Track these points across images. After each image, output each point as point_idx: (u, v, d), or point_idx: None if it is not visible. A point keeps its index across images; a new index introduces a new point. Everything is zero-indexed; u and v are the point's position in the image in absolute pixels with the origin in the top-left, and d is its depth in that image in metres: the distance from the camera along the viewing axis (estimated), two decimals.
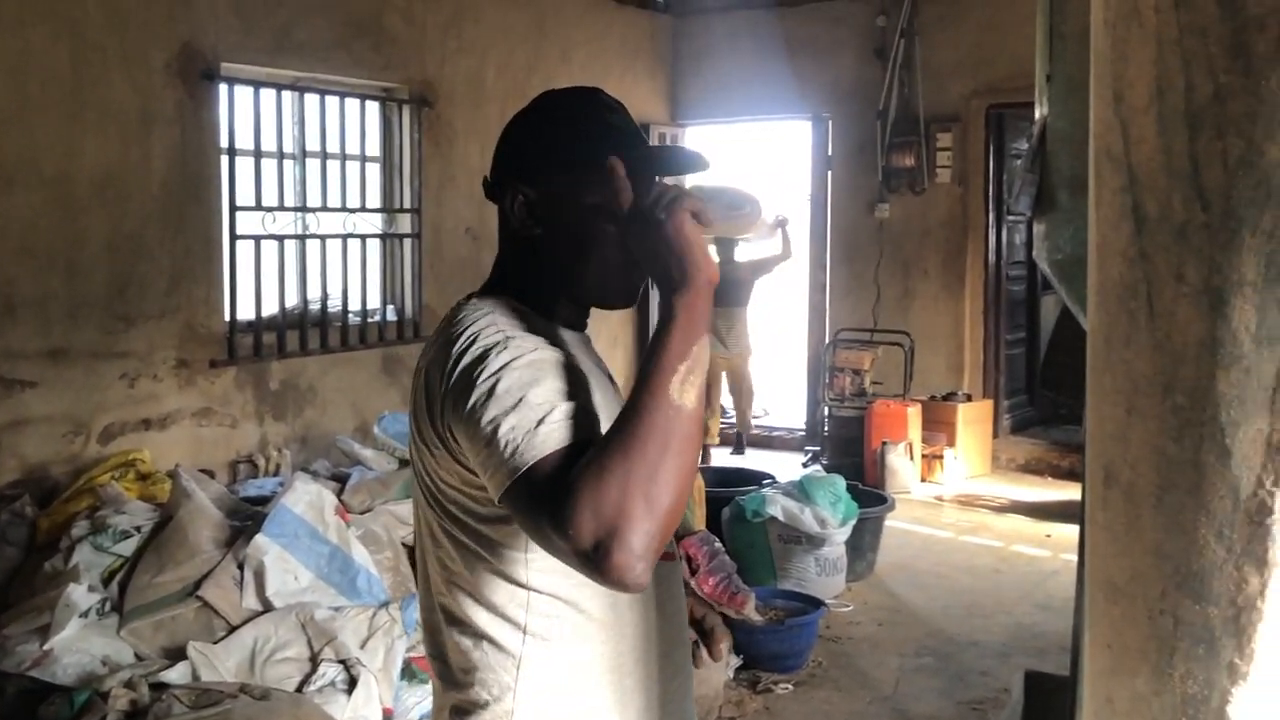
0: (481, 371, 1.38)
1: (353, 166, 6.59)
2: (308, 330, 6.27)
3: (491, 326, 1.46)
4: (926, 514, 7.29)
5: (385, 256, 6.94)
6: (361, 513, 4.70)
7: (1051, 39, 2.56)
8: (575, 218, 1.56)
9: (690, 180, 7.70)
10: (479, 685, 1.52)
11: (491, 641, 1.51)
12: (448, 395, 1.42)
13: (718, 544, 5.16)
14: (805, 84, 8.94)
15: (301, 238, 6.29)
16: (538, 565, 1.48)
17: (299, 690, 3.76)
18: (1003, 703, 4.34)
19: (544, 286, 1.60)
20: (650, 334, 2.09)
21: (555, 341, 1.49)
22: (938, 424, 8.06)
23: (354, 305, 6.62)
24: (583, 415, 1.34)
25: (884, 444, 7.68)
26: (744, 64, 9.17)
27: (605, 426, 1.34)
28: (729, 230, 8.55)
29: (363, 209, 6.64)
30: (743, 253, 9.01)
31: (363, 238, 6.63)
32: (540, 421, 1.31)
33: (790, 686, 4.66)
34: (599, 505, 1.21)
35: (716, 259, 8.59)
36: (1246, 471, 1.06)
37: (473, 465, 1.39)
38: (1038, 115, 2.66)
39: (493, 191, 1.63)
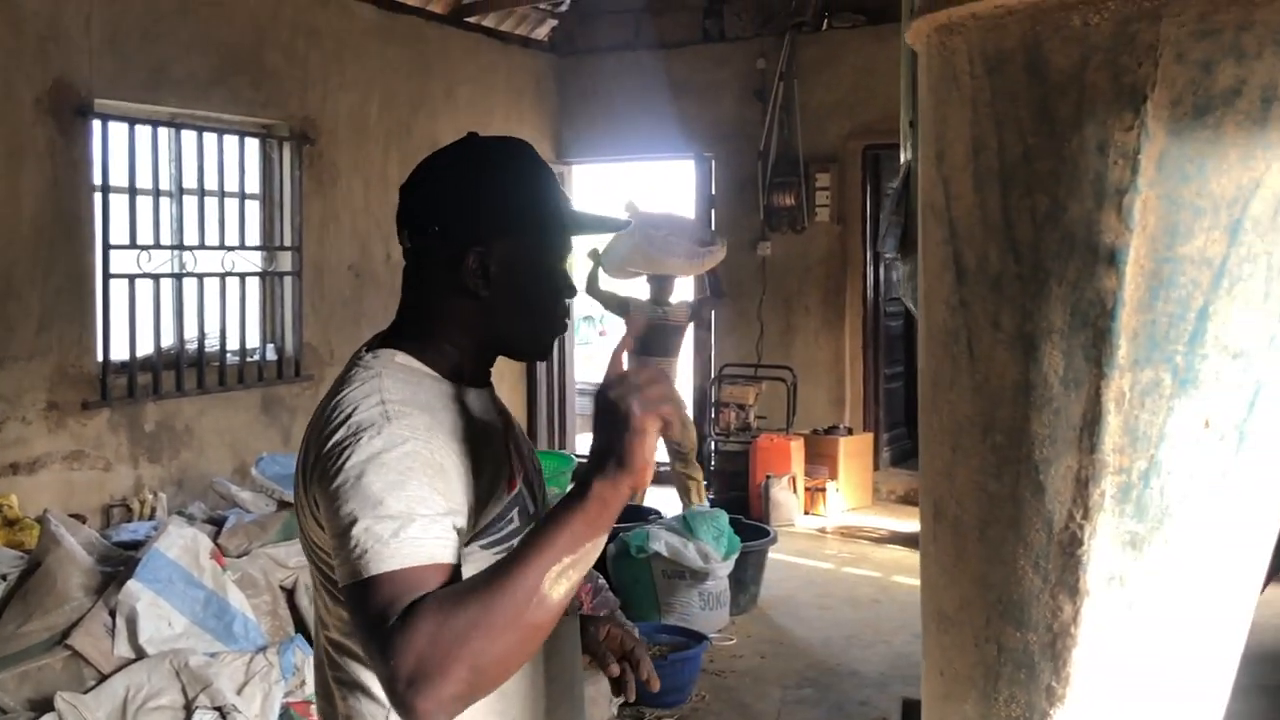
0: (351, 455, 1.36)
1: (231, 204, 6.50)
2: (184, 370, 6.16)
3: (374, 397, 1.44)
4: (809, 546, 7.41)
5: (265, 295, 6.86)
6: (238, 556, 4.62)
7: (914, 88, 2.68)
8: (530, 279, 1.56)
9: (634, 209, 7.65)
10: None
11: (364, 690, 1.51)
12: (316, 465, 1.41)
13: (600, 580, 5.20)
14: (689, 124, 9.09)
15: (178, 276, 6.19)
16: None
17: None
18: None
19: (457, 339, 1.58)
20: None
21: (446, 406, 1.49)
22: (820, 457, 8.20)
23: (233, 344, 6.52)
24: (436, 528, 1.33)
25: (768, 477, 7.79)
26: (629, 104, 9.29)
27: (475, 488, 1.40)
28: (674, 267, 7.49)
29: (242, 246, 6.55)
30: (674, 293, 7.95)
31: (242, 276, 6.55)
32: (394, 534, 1.30)
33: None
34: (427, 651, 1.21)
35: (651, 300, 7.36)
36: (1059, 506, 1.13)
37: (329, 552, 1.39)
38: (902, 160, 2.77)
39: (416, 235, 1.58)
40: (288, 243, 6.83)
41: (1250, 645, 4.11)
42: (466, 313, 1.56)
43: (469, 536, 1.45)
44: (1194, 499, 1.11)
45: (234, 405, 6.48)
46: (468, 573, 1.35)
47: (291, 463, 5.30)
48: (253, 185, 6.75)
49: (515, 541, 1.51)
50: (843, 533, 7.75)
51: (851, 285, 8.65)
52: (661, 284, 7.53)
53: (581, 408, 10.74)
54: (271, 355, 6.83)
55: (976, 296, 1.18)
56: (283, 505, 5.13)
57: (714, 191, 9.19)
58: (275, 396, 6.73)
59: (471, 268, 1.53)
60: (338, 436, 1.40)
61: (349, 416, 1.42)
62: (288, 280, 6.84)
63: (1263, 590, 3.32)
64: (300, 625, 4.36)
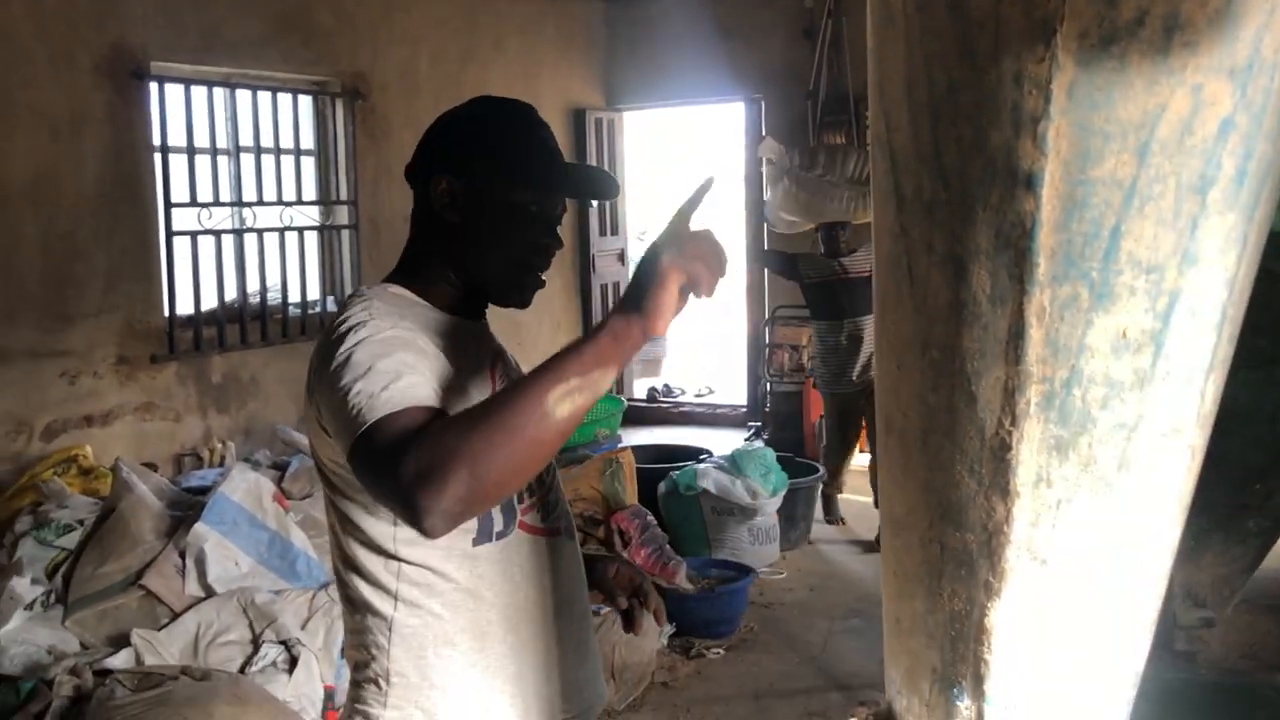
0: (341, 346, 1.50)
1: (287, 161, 6.68)
2: (248, 323, 6.37)
3: (361, 309, 1.58)
4: (861, 483, 7.48)
5: (323, 249, 7.04)
6: (301, 499, 4.83)
7: None
8: (495, 212, 1.67)
9: (771, 148, 7.41)
10: (361, 646, 1.66)
11: (368, 606, 1.64)
12: (316, 370, 1.55)
13: (649, 517, 5.35)
14: (737, 66, 9.09)
15: (239, 232, 6.38)
16: (404, 537, 1.60)
17: (241, 671, 3.89)
18: None
19: (445, 273, 1.70)
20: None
21: (430, 328, 1.62)
22: None
23: (294, 297, 6.71)
24: (424, 384, 1.44)
25: (822, 417, 7.86)
26: (677, 48, 9.30)
27: (451, 394, 1.50)
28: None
29: (299, 202, 6.73)
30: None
31: (300, 230, 6.73)
32: (385, 387, 1.41)
33: (721, 651, 4.83)
34: (429, 453, 1.28)
35: (825, 254, 6.53)
36: (989, 415, 1.23)
37: (332, 435, 1.51)
38: None
39: (415, 177, 1.74)
40: (344, 197, 6.99)
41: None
42: (446, 243, 1.70)
43: None
44: (1114, 405, 1.19)
45: (297, 356, 6.68)
46: None
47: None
48: (307, 142, 6.91)
49: None
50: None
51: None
52: (831, 233, 6.48)
53: (641, 352, 10.84)
54: (331, 307, 7.02)
55: (914, 223, 1.27)
56: None
57: (764, 133, 9.20)
58: None
59: (439, 191, 1.68)
60: (331, 339, 1.54)
61: (342, 324, 1.56)
62: (345, 234, 7.02)
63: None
64: None
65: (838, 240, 6.44)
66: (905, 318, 1.29)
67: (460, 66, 7.79)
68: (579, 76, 9.15)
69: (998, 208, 1.19)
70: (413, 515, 1.29)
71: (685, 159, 17.28)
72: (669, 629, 4.90)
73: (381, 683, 1.64)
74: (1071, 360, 1.18)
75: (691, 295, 1.36)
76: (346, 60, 6.98)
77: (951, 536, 1.27)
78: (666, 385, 9.82)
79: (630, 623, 1.93)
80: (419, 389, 1.43)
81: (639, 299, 1.34)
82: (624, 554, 4.91)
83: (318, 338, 1.65)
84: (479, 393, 1.60)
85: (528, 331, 8.54)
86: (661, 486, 5.88)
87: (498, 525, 1.64)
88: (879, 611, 4.61)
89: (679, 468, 5.98)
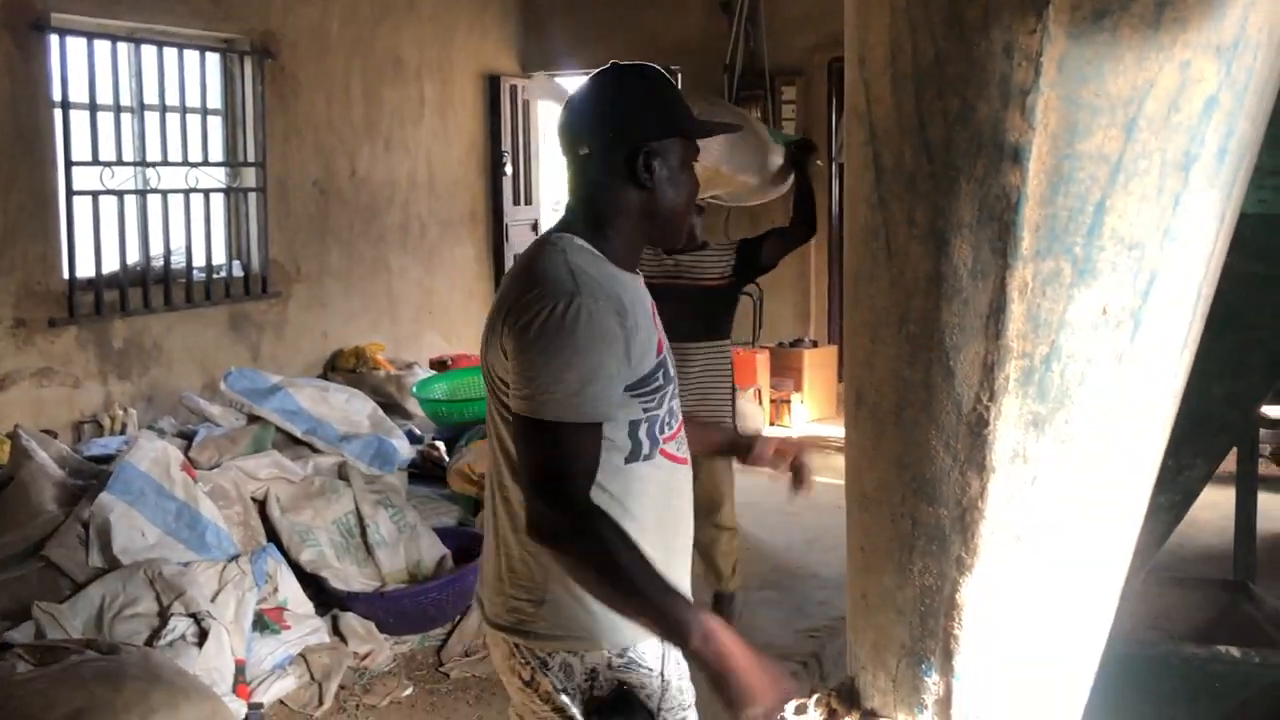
0: (546, 312, 1.77)
1: (194, 120, 6.47)
2: (151, 287, 6.17)
3: (564, 268, 1.84)
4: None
5: (230, 211, 6.85)
6: (209, 468, 4.70)
7: None
8: (677, 168, 1.96)
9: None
10: (521, 546, 1.93)
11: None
12: (511, 314, 1.81)
13: None
14: (655, 37, 9.04)
15: (142, 193, 6.17)
16: None
17: (148, 645, 3.78)
18: (838, 630, 4.58)
19: (627, 233, 1.97)
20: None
21: (615, 283, 1.87)
22: (786, 370, 8.32)
23: (199, 261, 6.52)
24: (604, 394, 1.78)
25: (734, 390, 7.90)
26: (595, 16, 9.21)
27: (637, 351, 1.83)
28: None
29: (205, 163, 6.53)
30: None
31: (206, 192, 6.53)
32: (576, 393, 1.76)
33: None
34: (569, 533, 1.77)
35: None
36: (967, 390, 1.22)
37: (509, 382, 1.84)
38: None
39: (604, 149, 1.96)
40: (251, 158, 6.81)
41: (1194, 546, 4.29)
42: (633, 204, 1.96)
43: (626, 385, 1.85)
44: (1092, 381, 1.19)
45: (202, 321, 6.51)
46: (616, 411, 1.83)
47: (259, 378, 5.36)
48: (214, 101, 6.71)
49: (656, 396, 1.92)
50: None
51: (817, 199, 8.68)
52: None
53: None
54: (238, 272, 6.84)
55: (894, 195, 1.25)
56: (252, 419, 5.20)
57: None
58: (243, 313, 6.76)
59: (642, 164, 1.92)
60: (534, 293, 1.81)
61: (544, 278, 1.83)
62: (252, 196, 6.84)
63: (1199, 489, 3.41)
64: (271, 534, 4.45)
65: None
66: (881, 290, 1.28)
67: (372, 27, 7.62)
68: (494, 41, 9.02)
69: (982, 180, 1.17)
70: (530, 519, 1.82)
71: None
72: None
73: (538, 577, 1.92)
74: (1052, 336, 1.18)
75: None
76: (256, 18, 6.77)
77: (924, 512, 1.27)
78: None
79: (801, 482, 2.35)
80: (599, 403, 1.78)
81: (723, 681, 1.67)
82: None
83: (514, 269, 1.94)
84: (650, 341, 1.91)
85: (439, 299, 8.43)
86: None
87: (645, 449, 1.93)
88: (793, 582, 4.63)
89: None
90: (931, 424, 1.24)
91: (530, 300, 1.81)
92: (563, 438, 1.79)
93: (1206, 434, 3.30)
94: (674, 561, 1.99)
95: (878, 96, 1.26)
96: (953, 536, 1.25)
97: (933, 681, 1.30)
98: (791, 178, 4.41)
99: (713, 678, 1.70)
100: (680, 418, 2.05)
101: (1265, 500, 4.75)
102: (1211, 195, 1.18)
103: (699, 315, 4.32)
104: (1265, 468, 7.04)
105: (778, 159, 4.26)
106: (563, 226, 1.99)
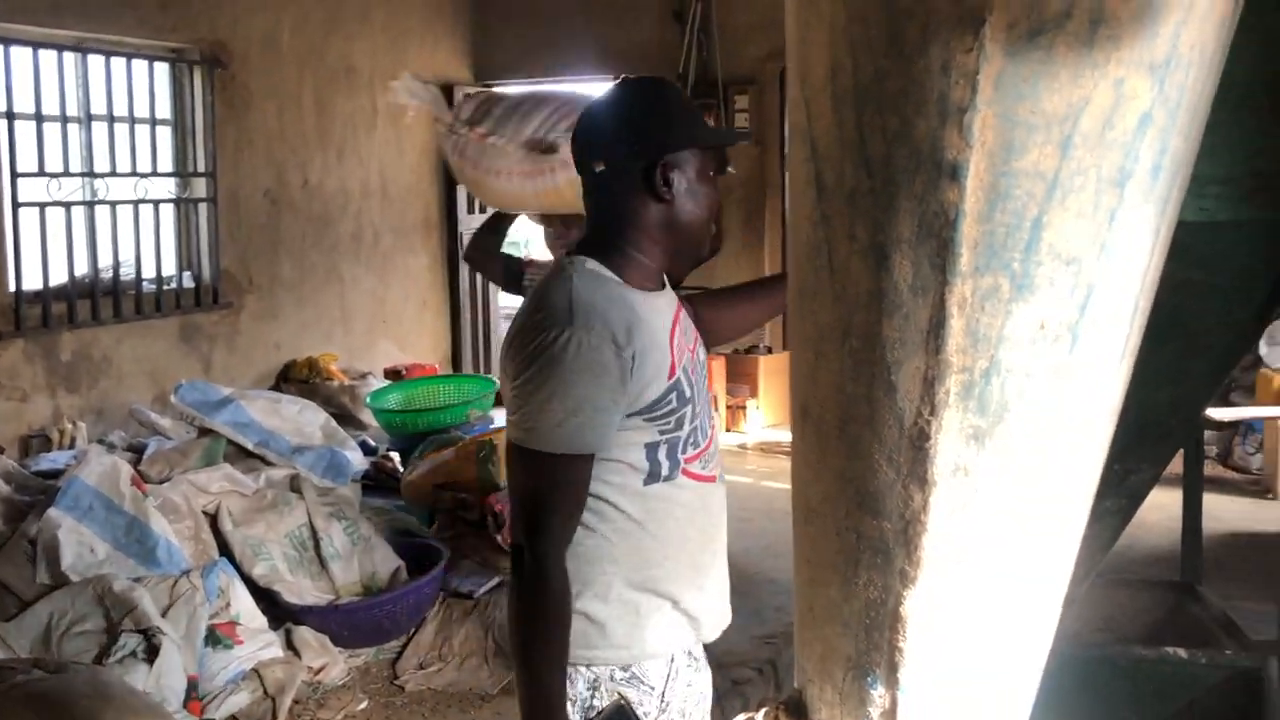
0: (539, 341, 1.83)
1: (142, 130, 6.41)
2: (100, 299, 6.11)
3: (565, 297, 1.87)
4: (730, 462, 7.56)
5: (180, 222, 6.79)
6: (160, 482, 4.66)
7: None
8: (695, 182, 1.99)
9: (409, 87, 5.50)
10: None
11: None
12: (513, 342, 1.89)
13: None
14: (608, 46, 9.06)
15: (90, 204, 6.11)
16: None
17: (98, 662, 3.73)
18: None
19: (647, 249, 2.00)
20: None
21: (622, 308, 1.89)
22: (741, 376, 8.36)
23: (148, 272, 6.46)
24: (588, 424, 1.84)
25: None
26: (549, 25, 9.22)
27: (638, 378, 1.88)
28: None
29: (154, 174, 6.47)
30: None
31: (155, 203, 6.47)
32: (559, 424, 1.82)
33: None
34: (532, 586, 1.86)
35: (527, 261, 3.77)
36: (909, 404, 1.23)
37: (505, 403, 1.92)
38: None
39: (609, 167, 1.99)
40: (202, 169, 6.76)
41: (1142, 547, 4.37)
42: (653, 218, 1.99)
43: (632, 411, 1.90)
44: (1031, 395, 1.21)
45: (152, 333, 6.44)
46: (629, 436, 1.91)
47: (210, 390, 5.32)
48: (164, 111, 6.65)
49: (672, 419, 1.95)
50: (762, 449, 7.93)
51: (770, 207, 8.74)
52: (552, 227, 3.96)
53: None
54: (189, 283, 6.78)
55: (835, 211, 1.26)
56: (203, 432, 5.15)
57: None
58: (194, 324, 6.70)
59: (660, 177, 1.96)
60: (532, 322, 1.87)
61: (544, 306, 1.87)
62: (203, 207, 6.78)
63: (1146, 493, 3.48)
64: (224, 548, 4.42)
65: (552, 243, 3.97)
66: (824, 306, 1.28)
67: (324, 37, 7.59)
68: (446, 50, 9.00)
69: (921, 197, 1.18)
70: (512, 540, 1.92)
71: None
72: None
73: None
74: (991, 350, 1.19)
75: None
76: (206, 27, 6.72)
77: (868, 525, 1.27)
78: None
79: None
80: (584, 435, 1.84)
81: None
82: (497, 537, 4.86)
83: (527, 298, 1.98)
84: (660, 367, 1.93)
85: (393, 309, 8.38)
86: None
87: (664, 470, 1.97)
88: (749, 588, 4.67)
89: None
90: (874, 438, 1.25)
91: (528, 328, 1.86)
92: (544, 467, 1.85)
93: (1151, 440, 3.35)
94: (702, 579, 2.06)
95: (818, 113, 1.26)
96: (896, 550, 1.26)
97: (878, 694, 1.31)
98: (549, 179, 3.61)
99: None
100: (710, 434, 2.08)
101: (1211, 501, 4.83)
102: (1146, 211, 1.19)
103: None
104: (1211, 469, 7.16)
105: None
106: (581, 246, 2.02)
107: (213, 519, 4.54)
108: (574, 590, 1.92)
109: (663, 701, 2.03)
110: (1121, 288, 1.21)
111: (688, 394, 1.99)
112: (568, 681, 1.97)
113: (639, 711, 2.01)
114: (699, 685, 2.12)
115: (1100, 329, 1.21)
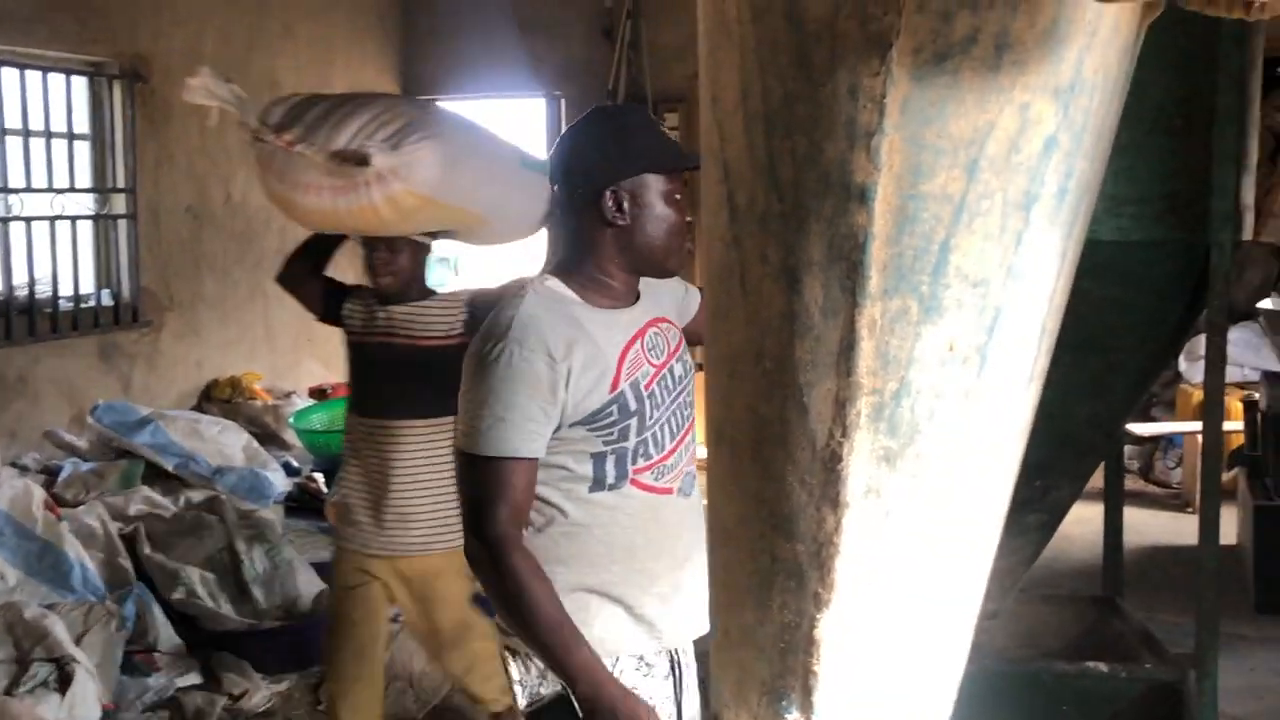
0: (478, 352, 2.00)
1: (59, 145, 6.27)
2: (14, 317, 5.95)
3: (511, 313, 2.01)
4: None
5: (98, 239, 6.65)
6: (75, 505, 4.54)
7: None
8: (653, 205, 2.05)
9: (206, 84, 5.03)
10: None
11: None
12: (465, 355, 2.04)
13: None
14: (538, 62, 9.04)
15: (4, 220, 5.96)
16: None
17: (7, 693, 3.63)
18: None
19: (609, 269, 2.09)
20: None
21: (571, 324, 2.01)
22: None
23: (66, 290, 6.32)
24: (520, 430, 1.95)
25: None
26: (477, 41, 9.18)
27: (575, 389, 1.98)
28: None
29: (72, 189, 6.34)
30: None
31: (73, 219, 6.34)
32: (489, 428, 1.95)
33: None
34: (488, 561, 1.97)
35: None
36: (821, 426, 1.23)
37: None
38: None
39: (570, 194, 2.09)
40: (121, 184, 6.62)
41: (1065, 561, 4.42)
42: (610, 241, 2.07)
43: (573, 421, 2.00)
44: (941, 416, 1.21)
45: (69, 353, 6.29)
46: (572, 444, 2.01)
47: (129, 410, 5.20)
48: (81, 125, 6.52)
49: (615, 430, 2.04)
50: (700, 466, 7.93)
51: (698, 226, 8.76)
52: (370, 258, 3.30)
53: None
54: (108, 301, 6.64)
55: (747, 233, 1.26)
56: (122, 454, 5.04)
57: (564, 131, 9.19)
58: (113, 343, 6.56)
59: (608, 204, 2.04)
60: (480, 335, 2.03)
61: (492, 322, 2.03)
62: (122, 224, 6.65)
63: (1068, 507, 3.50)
64: (141, 573, 4.31)
65: (377, 272, 3.29)
66: (737, 328, 1.28)
67: (247, 51, 7.48)
68: (374, 66, 8.93)
69: (831, 220, 1.19)
70: (466, 549, 2.02)
71: None
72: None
73: None
74: (901, 372, 1.20)
75: None
76: (125, 40, 6.60)
77: (782, 547, 1.27)
78: None
79: None
80: (513, 440, 1.95)
81: (596, 712, 1.94)
82: None
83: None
84: (602, 379, 2.02)
85: (318, 327, 8.25)
86: None
87: (610, 479, 2.06)
88: None
89: None
90: (788, 460, 1.25)
91: (475, 340, 2.03)
92: (479, 470, 1.97)
93: (1072, 455, 3.40)
94: (661, 587, 2.13)
95: (730, 136, 1.26)
96: (810, 572, 1.25)
97: (793, 718, 1.31)
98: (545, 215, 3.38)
99: (586, 711, 1.95)
100: (670, 448, 2.14)
101: (1132, 515, 4.92)
102: (1052, 234, 1.20)
103: (417, 383, 3.32)
104: (1133, 483, 7.29)
105: (530, 190, 3.28)
106: (555, 266, 2.15)
107: (130, 543, 4.44)
108: None
109: None
110: (1029, 310, 1.22)
111: (634, 407, 2.06)
112: (521, 667, 2.14)
113: (577, 704, 2.08)
114: (648, 691, 2.14)
115: (1008, 351, 1.22)
